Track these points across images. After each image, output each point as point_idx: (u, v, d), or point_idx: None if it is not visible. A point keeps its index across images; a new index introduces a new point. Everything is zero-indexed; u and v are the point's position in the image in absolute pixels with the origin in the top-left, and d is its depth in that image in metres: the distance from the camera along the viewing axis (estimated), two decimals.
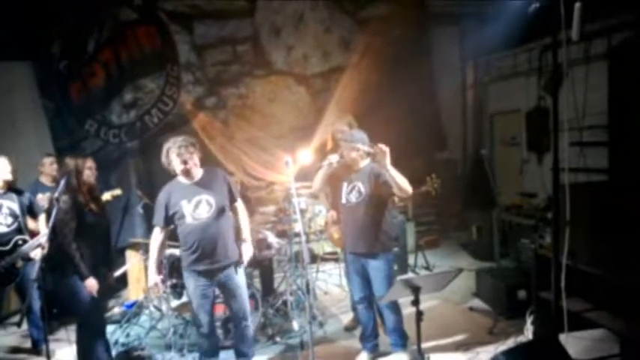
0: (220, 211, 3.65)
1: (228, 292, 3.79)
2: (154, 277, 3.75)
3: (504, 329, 4.48)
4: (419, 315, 3.12)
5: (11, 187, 4.39)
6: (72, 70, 6.11)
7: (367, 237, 3.78)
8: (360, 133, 3.86)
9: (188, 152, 3.55)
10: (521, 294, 4.72)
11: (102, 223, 3.85)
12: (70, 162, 3.73)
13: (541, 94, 6.48)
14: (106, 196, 4.88)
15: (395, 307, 3.91)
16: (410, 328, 3.67)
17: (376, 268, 3.81)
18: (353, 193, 3.80)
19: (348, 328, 4.73)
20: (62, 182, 3.59)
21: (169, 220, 3.68)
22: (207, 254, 3.61)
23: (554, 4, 3.38)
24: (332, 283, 6.07)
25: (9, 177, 4.31)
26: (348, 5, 7.27)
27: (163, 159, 3.63)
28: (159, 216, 3.69)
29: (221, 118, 6.72)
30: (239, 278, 3.79)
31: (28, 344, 4.73)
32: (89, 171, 3.78)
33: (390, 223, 3.90)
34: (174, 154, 3.56)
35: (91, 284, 3.61)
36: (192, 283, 3.69)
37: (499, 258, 5.89)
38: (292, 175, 3.70)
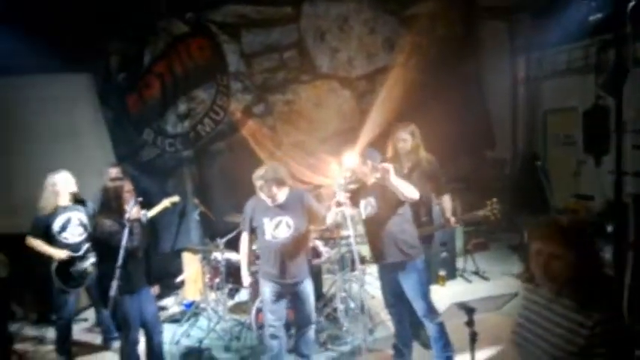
0: (299, 233, 3.90)
1: (299, 300, 4.04)
2: (248, 279, 4.19)
3: None
4: (473, 336, 3.14)
5: (77, 199, 4.71)
6: (129, 82, 6.40)
7: (388, 248, 3.85)
8: (373, 151, 3.95)
9: (270, 190, 3.84)
10: None
11: (140, 243, 3.86)
12: (111, 186, 3.89)
13: (599, 92, 6.22)
14: (165, 202, 5.18)
15: (434, 313, 3.89)
16: (459, 345, 3.68)
17: (405, 277, 3.86)
18: (368, 207, 3.90)
19: None
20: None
21: (253, 230, 4.05)
22: (282, 270, 3.89)
23: (619, 14, 3.25)
24: (378, 287, 6.11)
25: (74, 189, 4.64)
26: (393, 5, 7.19)
27: (253, 180, 4.01)
28: (245, 224, 4.08)
29: (269, 125, 6.86)
30: (310, 289, 4.06)
31: (98, 340, 5.09)
32: (128, 194, 3.85)
33: (408, 230, 3.91)
34: (258, 185, 3.93)
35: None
36: (267, 290, 4.00)
37: None
38: (343, 187, 3.79)
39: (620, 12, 3.17)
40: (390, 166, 3.53)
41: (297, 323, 4.22)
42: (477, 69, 7.62)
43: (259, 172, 3.94)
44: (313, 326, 4.17)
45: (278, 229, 3.88)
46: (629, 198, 3.64)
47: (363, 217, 3.96)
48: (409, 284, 3.88)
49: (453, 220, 4.44)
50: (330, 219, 4.01)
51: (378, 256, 3.97)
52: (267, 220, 3.90)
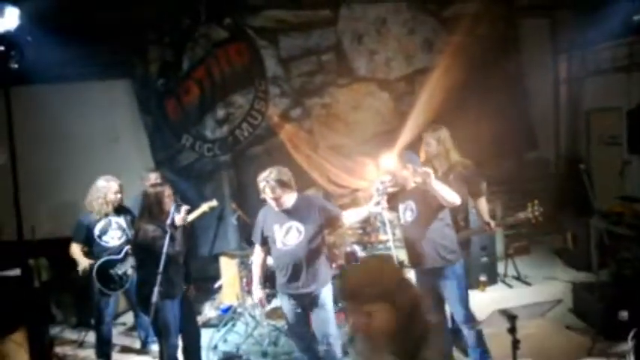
0: (310, 239, 3.72)
1: (316, 313, 3.86)
2: (258, 293, 3.98)
3: (604, 350, 4.29)
4: (515, 343, 3.08)
5: (120, 206, 4.83)
6: (168, 88, 6.51)
7: (428, 253, 3.79)
8: (412, 154, 3.93)
9: (273, 192, 3.64)
10: (623, 314, 4.45)
11: (184, 246, 3.92)
12: (151, 192, 3.89)
13: None
14: (204, 207, 5.19)
15: (473, 321, 3.83)
16: (500, 351, 3.66)
17: (444, 283, 3.81)
18: (407, 212, 3.84)
19: None
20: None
21: (264, 241, 3.89)
22: (296, 279, 3.74)
23: None
24: None
25: (113, 198, 4.70)
26: (432, 5, 7.09)
27: (258, 181, 3.75)
28: (257, 235, 3.92)
29: (306, 128, 6.86)
30: (327, 301, 3.85)
31: (137, 344, 5.18)
32: (168, 199, 3.89)
33: (449, 235, 3.85)
34: (262, 188, 3.70)
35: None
36: (284, 303, 3.91)
37: (597, 269, 5.58)
38: (381, 194, 3.78)
39: None
40: (430, 171, 3.49)
41: (318, 336, 3.96)
42: (518, 68, 7.44)
43: (263, 173, 3.72)
44: (332, 342, 3.87)
45: (288, 236, 3.73)
46: None
47: (402, 221, 3.90)
48: (448, 290, 3.83)
49: (492, 223, 4.38)
50: (348, 220, 3.95)
51: (416, 262, 3.90)
52: (277, 228, 3.75)
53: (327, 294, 3.87)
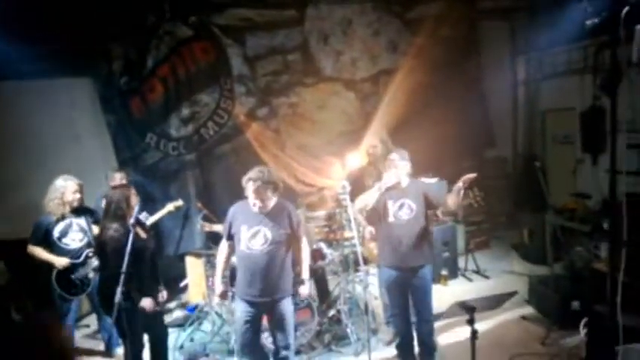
0: (275, 247, 3.61)
1: (274, 323, 3.78)
2: (220, 287, 3.88)
3: (557, 340, 4.51)
4: (474, 334, 3.23)
5: (81, 206, 4.68)
6: (132, 86, 6.40)
7: (416, 252, 3.93)
8: (405, 151, 4.05)
9: (265, 193, 3.56)
10: (575, 304, 4.70)
11: (149, 246, 3.86)
12: (117, 191, 3.83)
13: (597, 93, 6.29)
14: (169, 207, 5.15)
15: (431, 317, 4.05)
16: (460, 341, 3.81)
17: (421, 280, 3.97)
18: (403, 210, 3.91)
19: (388, 343, 4.75)
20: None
21: (231, 237, 3.76)
22: (256, 285, 3.61)
23: (614, 18, 3.33)
24: None
25: (71, 198, 4.55)
26: (396, 7, 7.25)
27: (243, 183, 3.61)
28: (225, 229, 3.80)
29: (272, 128, 6.90)
30: (287, 310, 3.75)
31: (101, 347, 5.02)
32: (134, 198, 3.83)
33: (429, 235, 4.07)
34: (251, 189, 3.56)
35: (147, 304, 3.70)
36: (239, 309, 3.72)
37: (552, 262, 5.84)
38: (347, 194, 3.89)
39: (614, 16, 3.26)
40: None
41: (275, 346, 3.88)
42: (478, 70, 7.69)
43: (253, 173, 3.57)
44: (290, 353, 3.84)
45: (254, 240, 3.59)
46: (623, 196, 3.75)
47: (391, 219, 3.90)
48: (422, 288, 3.99)
49: (439, 213, 4.56)
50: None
51: (398, 260, 3.93)
52: (244, 229, 3.60)
53: (287, 304, 3.75)
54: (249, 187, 3.56)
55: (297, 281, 3.93)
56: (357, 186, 4.64)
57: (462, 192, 3.79)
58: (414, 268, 3.94)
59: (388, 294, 4.21)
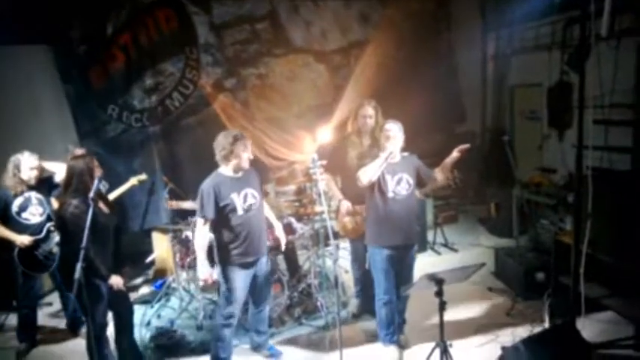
0: (261, 203, 3.85)
1: (260, 279, 3.91)
2: (206, 272, 3.76)
3: (522, 311, 4.63)
4: (442, 305, 3.26)
5: (41, 179, 4.51)
6: (92, 55, 6.06)
7: (413, 230, 3.96)
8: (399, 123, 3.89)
9: (249, 153, 3.70)
10: (540, 276, 4.83)
11: (112, 221, 3.73)
12: (80, 162, 3.58)
13: (564, 68, 6.36)
14: (132, 181, 5.05)
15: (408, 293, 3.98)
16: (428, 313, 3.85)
17: (412, 259, 4.02)
18: (402, 184, 3.81)
19: (356, 315, 4.75)
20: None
21: (219, 212, 3.64)
22: (255, 245, 3.74)
23: None
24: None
25: (28, 174, 4.38)
26: None
27: (225, 145, 3.60)
28: (209, 208, 3.60)
29: (241, 99, 6.72)
30: (266, 264, 3.98)
31: (63, 325, 4.93)
32: (98, 169, 3.63)
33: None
34: (242, 146, 3.62)
35: (116, 281, 3.61)
36: (239, 276, 3.72)
37: (518, 235, 5.97)
38: (317, 167, 3.84)
39: None
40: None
41: (254, 302, 4.01)
42: (448, 44, 7.68)
43: (232, 133, 3.67)
44: (269, 304, 4.14)
45: (247, 202, 3.69)
46: (588, 171, 3.84)
47: (389, 194, 3.78)
48: (408, 265, 4.01)
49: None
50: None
51: (392, 237, 3.82)
52: (235, 195, 3.64)
53: (268, 262, 4.02)
54: (240, 144, 3.61)
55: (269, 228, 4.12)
56: (338, 158, 4.53)
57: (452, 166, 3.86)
58: (409, 246, 3.93)
59: (384, 276, 3.92)
